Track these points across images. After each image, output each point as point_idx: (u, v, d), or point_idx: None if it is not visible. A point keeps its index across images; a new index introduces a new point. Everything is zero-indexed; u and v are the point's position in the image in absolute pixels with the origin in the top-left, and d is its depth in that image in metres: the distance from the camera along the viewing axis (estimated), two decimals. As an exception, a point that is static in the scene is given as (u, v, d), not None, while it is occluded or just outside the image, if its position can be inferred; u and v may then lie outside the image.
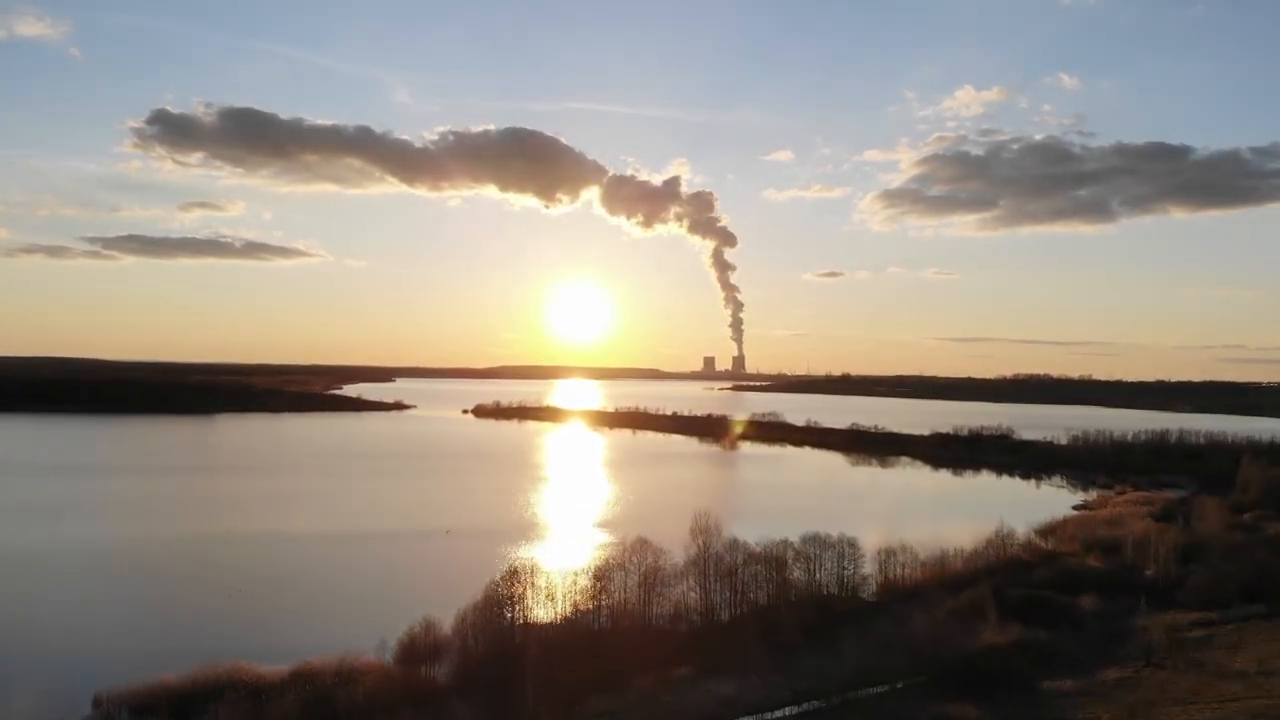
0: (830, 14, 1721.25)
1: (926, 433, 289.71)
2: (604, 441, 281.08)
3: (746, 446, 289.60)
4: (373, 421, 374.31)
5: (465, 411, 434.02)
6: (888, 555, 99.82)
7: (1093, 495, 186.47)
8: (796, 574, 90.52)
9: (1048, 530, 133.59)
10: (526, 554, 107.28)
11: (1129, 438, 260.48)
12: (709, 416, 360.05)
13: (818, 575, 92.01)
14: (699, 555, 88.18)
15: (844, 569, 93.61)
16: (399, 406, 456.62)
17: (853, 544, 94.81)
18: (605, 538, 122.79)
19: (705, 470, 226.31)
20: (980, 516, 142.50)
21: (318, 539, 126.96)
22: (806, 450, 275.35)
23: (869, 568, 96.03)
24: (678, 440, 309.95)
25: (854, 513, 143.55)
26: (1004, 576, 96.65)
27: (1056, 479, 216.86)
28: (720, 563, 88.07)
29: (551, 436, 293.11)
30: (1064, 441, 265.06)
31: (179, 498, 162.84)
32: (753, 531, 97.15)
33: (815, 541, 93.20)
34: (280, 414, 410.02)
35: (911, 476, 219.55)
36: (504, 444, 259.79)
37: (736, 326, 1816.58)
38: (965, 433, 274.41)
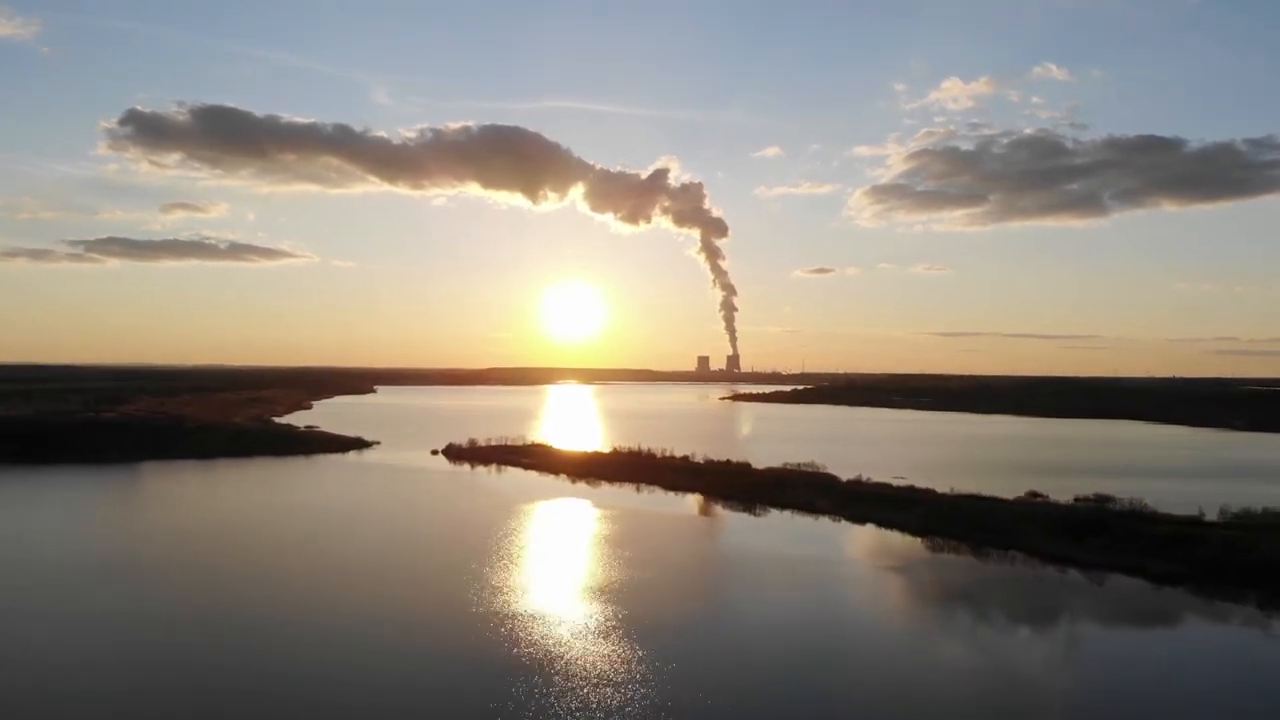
0: (816, 7, 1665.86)
1: (1013, 496, 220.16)
2: (588, 520, 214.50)
3: (783, 520, 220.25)
4: (313, 475, 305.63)
5: (435, 453, 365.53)
6: None
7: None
8: None
9: None
10: None
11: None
12: (727, 464, 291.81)
13: None
14: None
15: None
16: (358, 445, 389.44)
17: None
18: None
19: (733, 613, 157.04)
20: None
21: None
22: (869, 530, 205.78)
23: None
24: (689, 505, 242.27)
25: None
26: None
27: (1251, 605, 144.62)
28: None
29: (522, 509, 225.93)
30: (1215, 518, 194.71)
31: None
32: None
33: None
34: (215, 460, 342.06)
35: (1046, 609, 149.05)
36: (450, 535, 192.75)
37: (729, 316, 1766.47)
38: (1083, 504, 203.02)
